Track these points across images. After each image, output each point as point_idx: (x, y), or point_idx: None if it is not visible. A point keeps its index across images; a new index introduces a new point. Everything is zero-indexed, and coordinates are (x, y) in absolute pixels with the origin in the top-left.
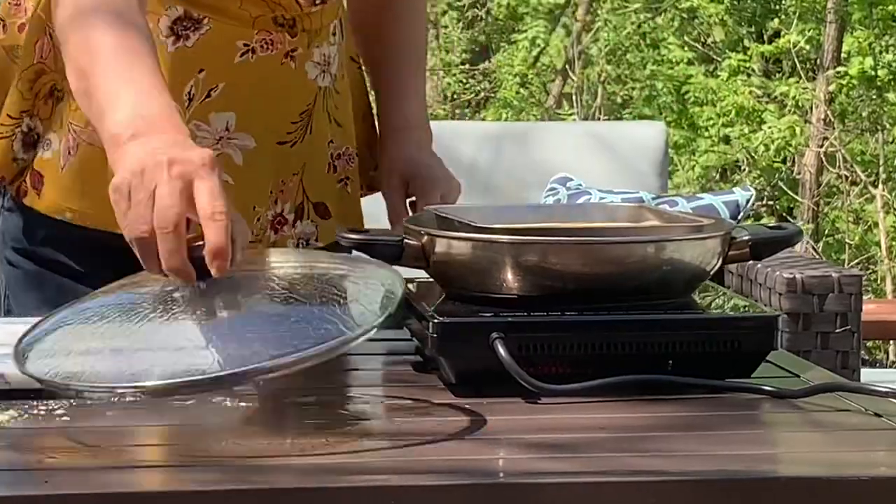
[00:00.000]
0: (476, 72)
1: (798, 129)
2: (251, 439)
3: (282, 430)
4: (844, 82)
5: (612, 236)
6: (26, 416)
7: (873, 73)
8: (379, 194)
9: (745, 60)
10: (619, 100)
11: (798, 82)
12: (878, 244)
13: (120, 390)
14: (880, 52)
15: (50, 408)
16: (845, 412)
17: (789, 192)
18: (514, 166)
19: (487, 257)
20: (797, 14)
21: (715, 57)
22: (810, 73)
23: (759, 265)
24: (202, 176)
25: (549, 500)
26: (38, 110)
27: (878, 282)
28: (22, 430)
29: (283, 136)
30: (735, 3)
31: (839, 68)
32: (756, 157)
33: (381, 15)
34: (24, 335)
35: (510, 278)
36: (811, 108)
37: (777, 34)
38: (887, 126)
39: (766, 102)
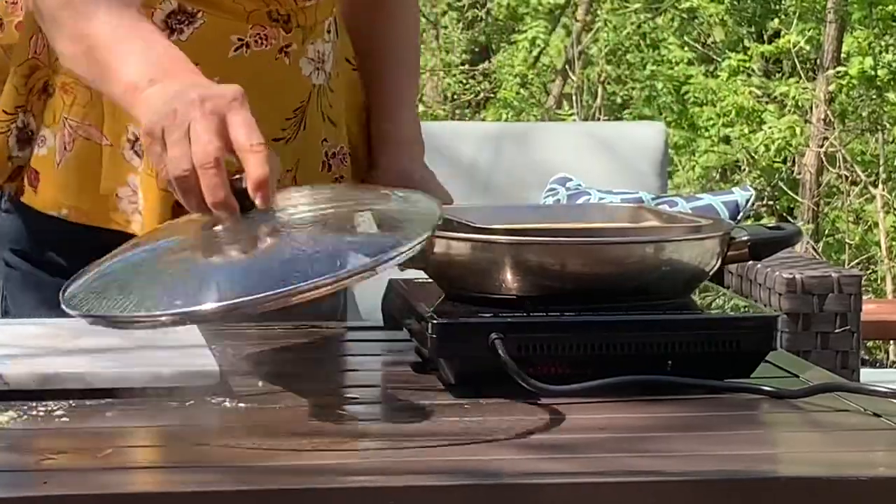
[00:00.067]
0: (476, 72)
1: (798, 130)
2: (250, 440)
3: (281, 431)
4: (844, 82)
5: (611, 237)
6: (25, 417)
7: (873, 72)
8: None
9: (745, 60)
10: (618, 100)
11: (798, 82)
12: (878, 244)
13: (171, 316)
14: (880, 52)
15: (49, 409)
16: (845, 412)
17: (789, 192)
18: (514, 166)
19: (487, 258)
20: (797, 14)
21: (715, 57)
22: (810, 73)
23: (758, 265)
24: (235, 110)
25: (548, 500)
26: (32, 106)
27: (878, 282)
28: (21, 431)
29: (278, 132)
30: (735, 3)
31: (839, 68)
32: (756, 157)
33: (374, 14)
34: (69, 283)
35: (509, 279)
36: (811, 108)
37: (777, 34)
38: (887, 126)
39: (766, 102)
